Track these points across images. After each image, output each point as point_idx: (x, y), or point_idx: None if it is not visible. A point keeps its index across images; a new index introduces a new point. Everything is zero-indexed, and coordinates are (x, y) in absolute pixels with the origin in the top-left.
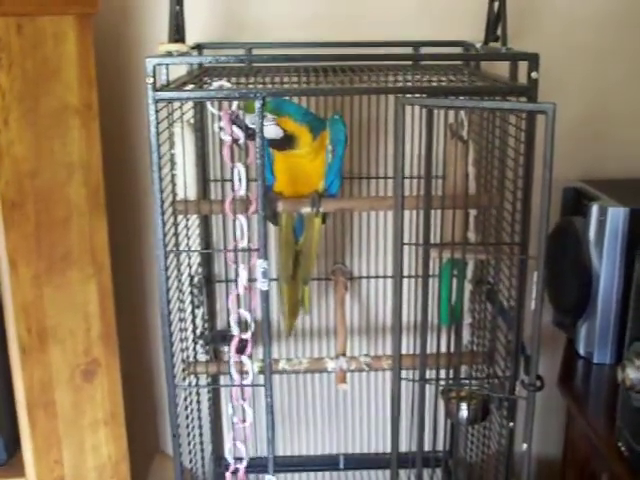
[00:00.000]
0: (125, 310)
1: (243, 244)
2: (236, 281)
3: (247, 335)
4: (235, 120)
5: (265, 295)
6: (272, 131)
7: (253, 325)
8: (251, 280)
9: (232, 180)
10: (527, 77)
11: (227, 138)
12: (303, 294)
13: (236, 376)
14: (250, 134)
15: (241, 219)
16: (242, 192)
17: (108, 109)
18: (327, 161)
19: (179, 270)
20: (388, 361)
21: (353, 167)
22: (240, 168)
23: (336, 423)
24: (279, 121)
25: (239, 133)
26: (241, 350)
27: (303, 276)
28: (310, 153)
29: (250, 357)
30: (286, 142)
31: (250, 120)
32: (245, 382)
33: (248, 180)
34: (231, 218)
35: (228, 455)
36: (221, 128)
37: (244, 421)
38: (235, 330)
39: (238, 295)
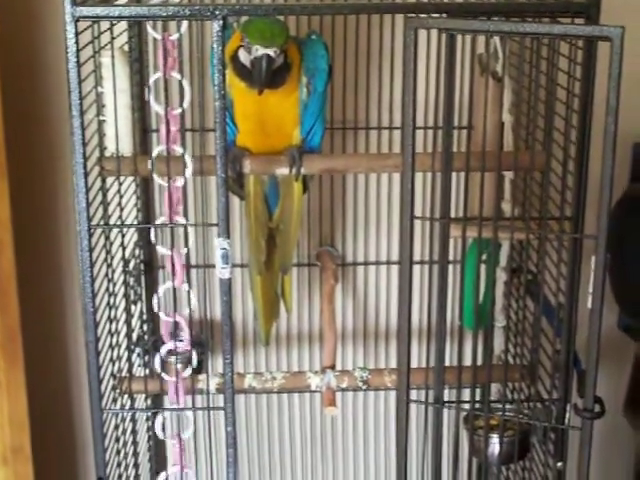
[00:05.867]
0: (33, 307)
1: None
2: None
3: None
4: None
5: (227, 285)
6: (277, 63)
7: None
8: (207, 266)
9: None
10: None
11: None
12: (283, 286)
13: (185, 397)
14: (259, 75)
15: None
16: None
17: (10, 31)
18: (301, 99)
19: (109, 252)
20: (392, 377)
21: (347, 113)
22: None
23: (322, 461)
24: (289, 48)
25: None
26: (193, 363)
27: (281, 262)
28: (284, 88)
29: (205, 371)
30: (280, 76)
31: (273, 51)
32: (198, 405)
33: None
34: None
35: None
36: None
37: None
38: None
39: (175, 290)
